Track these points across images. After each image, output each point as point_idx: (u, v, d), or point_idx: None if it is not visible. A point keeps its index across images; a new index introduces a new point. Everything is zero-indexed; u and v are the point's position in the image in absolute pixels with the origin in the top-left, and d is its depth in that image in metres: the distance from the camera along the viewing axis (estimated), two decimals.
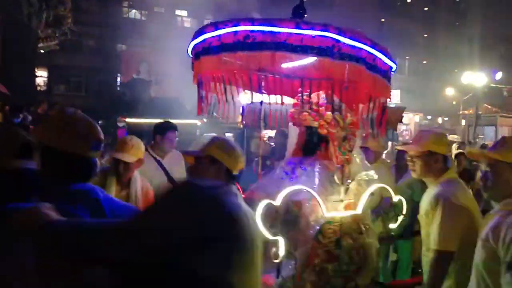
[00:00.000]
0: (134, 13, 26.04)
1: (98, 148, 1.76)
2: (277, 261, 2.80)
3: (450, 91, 35.80)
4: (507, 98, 36.74)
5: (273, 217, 2.85)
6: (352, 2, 31.66)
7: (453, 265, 2.91)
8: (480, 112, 29.77)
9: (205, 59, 2.83)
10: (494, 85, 31.06)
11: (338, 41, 2.63)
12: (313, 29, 2.59)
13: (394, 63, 3.14)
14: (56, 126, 1.64)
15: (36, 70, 19.44)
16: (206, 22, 21.18)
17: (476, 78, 28.37)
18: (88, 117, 1.75)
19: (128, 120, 8.87)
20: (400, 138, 28.04)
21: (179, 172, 4.66)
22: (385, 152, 10.28)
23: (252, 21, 2.62)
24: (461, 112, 34.08)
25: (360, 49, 2.74)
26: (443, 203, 2.94)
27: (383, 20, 34.87)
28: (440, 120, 40.07)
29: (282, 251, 2.81)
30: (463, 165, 7.45)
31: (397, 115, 10.19)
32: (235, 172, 2.32)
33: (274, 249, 2.78)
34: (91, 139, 1.68)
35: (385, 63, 2.98)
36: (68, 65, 22.26)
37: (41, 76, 24.09)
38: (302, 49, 2.59)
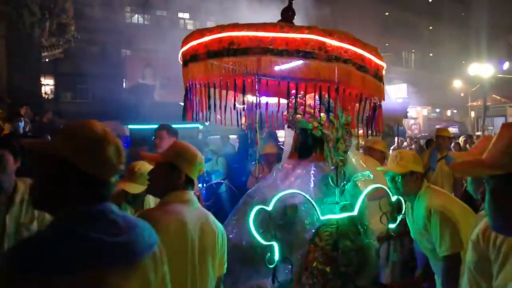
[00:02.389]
0: (137, 18, 26.18)
1: (121, 172, 1.70)
2: (272, 266, 2.79)
3: (457, 83, 35.45)
4: None
5: (266, 222, 2.83)
6: None
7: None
8: (488, 103, 29.45)
9: (193, 66, 2.83)
10: (502, 76, 30.70)
11: (324, 43, 2.61)
12: (298, 32, 2.57)
13: (384, 63, 3.11)
14: (83, 145, 1.47)
15: (42, 79, 19.62)
16: (209, 24, 21.21)
17: (483, 69, 28.07)
18: (115, 137, 1.60)
19: (130, 127, 8.88)
20: (409, 132, 27.93)
21: None
22: (392, 148, 10.25)
23: (237, 27, 2.61)
24: (469, 104, 33.77)
25: (348, 50, 2.71)
26: (435, 211, 3.08)
27: (387, 13, 34.63)
28: (449, 112, 39.71)
29: (277, 256, 2.80)
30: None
31: (402, 111, 10.16)
32: (194, 178, 2.31)
33: (268, 254, 2.78)
34: (118, 165, 1.56)
35: (375, 63, 2.95)
36: (74, 72, 22.42)
37: (48, 85, 24.30)
38: (288, 52, 2.58)
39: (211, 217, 2.37)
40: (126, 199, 3.37)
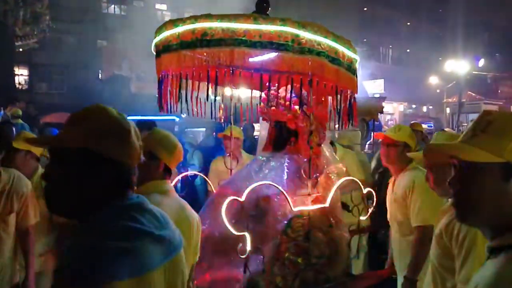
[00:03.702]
0: (113, 8, 25.76)
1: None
2: (243, 256, 2.81)
3: (434, 80, 36.06)
4: (491, 85, 37.14)
5: (238, 213, 2.84)
6: None
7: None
8: (463, 100, 30.02)
9: (165, 57, 2.81)
10: (477, 72, 31.33)
11: (297, 35, 2.62)
12: (271, 24, 2.57)
13: (357, 56, 3.13)
14: (108, 130, 1.33)
15: (16, 69, 19.17)
16: (186, 15, 20.85)
17: (459, 66, 28.58)
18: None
19: None
20: (385, 127, 28.21)
21: None
22: (368, 143, 10.38)
23: (210, 17, 2.60)
24: (445, 100, 34.37)
25: (321, 42, 2.73)
26: (418, 184, 3.26)
27: (365, 8, 34.92)
28: (424, 108, 40.41)
29: (248, 247, 2.82)
30: None
31: (377, 106, 10.28)
32: (173, 167, 2.30)
33: (240, 245, 2.79)
34: (140, 148, 1.44)
35: (348, 56, 2.97)
36: (48, 63, 21.99)
37: (22, 75, 23.76)
38: (261, 44, 2.58)
39: (187, 206, 2.38)
40: None
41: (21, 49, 17.85)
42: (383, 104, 11.23)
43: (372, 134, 11.52)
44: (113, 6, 25.72)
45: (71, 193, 1.30)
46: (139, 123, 4.73)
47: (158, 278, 1.27)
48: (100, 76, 23.33)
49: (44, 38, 17.59)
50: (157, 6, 26.23)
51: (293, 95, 3.38)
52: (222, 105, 3.99)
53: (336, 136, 5.68)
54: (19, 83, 22.52)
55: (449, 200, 2.34)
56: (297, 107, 3.47)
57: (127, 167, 1.37)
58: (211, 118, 3.65)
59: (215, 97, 3.18)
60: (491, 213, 1.19)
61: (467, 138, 1.24)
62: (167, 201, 2.19)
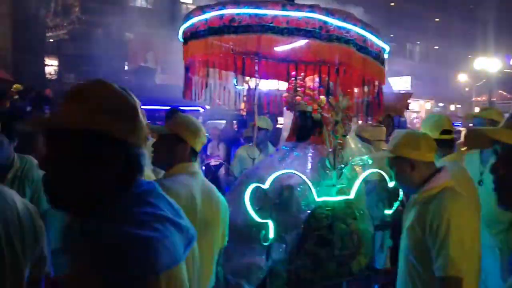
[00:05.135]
0: (140, 1, 26.03)
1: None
2: (266, 244, 2.81)
3: (462, 77, 35.26)
4: None
5: (262, 200, 2.84)
6: None
7: None
8: (494, 99, 29.27)
9: (192, 44, 2.82)
10: (508, 71, 30.49)
11: (325, 22, 2.59)
12: (299, 10, 2.55)
13: (387, 44, 3.08)
14: (114, 107, 1.14)
15: (46, 59, 19.59)
16: None
17: (489, 64, 27.86)
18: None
19: None
20: (409, 126, 27.76)
21: None
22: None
23: (238, 4, 2.60)
24: (473, 99, 33.60)
25: (349, 30, 2.70)
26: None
27: (392, 4, 34.33)
28: (452, 107, 39.56)
29: (271, 234, 2.82)
30: None
31: (403, 101, 10.10)
32: (198, 150, 2.30)
33: (263, 232, 2.79)
34: (147, 127, 1.26)
35: (377, 45, 2.93)
36: (77, 54, 22.33)
37: (52, 65, 24.28)
38: (289, 31, 2.56)
39: (215, 189, 2.38)
40: None
41: (51, 40, 18.27)
42: (409, 101, 11.06)
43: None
44: None
45: (77, 184, 1.11)
46: (169, 111, 4.75)
47: (183, 270, 1.14)
48: (126, 68, 23.63)
49: (73, 29, 17.95)
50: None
51: (319, 85, 3.36)
52: (245, 98, 3.99)
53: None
54: (49, 73, 23.02)
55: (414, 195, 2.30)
56: (322, 97, 3.44)
57: (137, 149, 1.18)
58: (235, 108, 3.65)
59: (243, 87, 3.17)
60: None
61: (510, 124, 1.20)
62: (195, 182, 2.20)
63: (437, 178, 2.25)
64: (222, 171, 6.09)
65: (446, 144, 3.26)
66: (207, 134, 8.23)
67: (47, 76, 21.21)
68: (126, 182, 1.15)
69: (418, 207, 2.23)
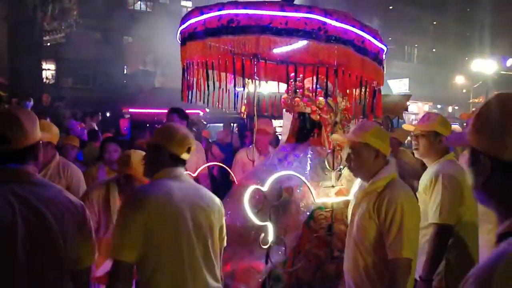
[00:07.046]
0: (139, 5, 26.03)
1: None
2: (265, 247, 2.79)
3: (460, 79, 35.30)
4: None
5: (261, 203, 2.83)
6: None
7: (452, 239, 2.94)
8: None
9: (190, 45, 2.80)
10: (505, 72, 30.55)
11: (324, 23, 2.58)
12: (298, 11, 2.54)
13: (385, 45, 3.08)
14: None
15: (43, 63, 19.54)
16: None
17: (486, 66, 27.91)
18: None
19: (131, 110, 8.90)
20: None
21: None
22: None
23: (237, 5, 2.59)
24: (471, 101, 33.62)
25: (348, 31, 2.69)
26: (443, 178, 2.98)
27: (391, 7, 34.40)
28: (450, 109, 39.59)
29: (271, 237, 2.79)
30: None
31: (402, 103, 10.10)
32: (183, 156, 2.29)
33: (262, 235, 2.77)
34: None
35: (375, 45, 2.92)
36: (75, 58, 22.23)
37: (49, 69, 24.20)
38: (287, 32, 2.55)
39: (205, 191, 2.34)
40: (118, 183, 3.25)
41: (48, 44, 18.21)
42: (408, 103, 11.06)
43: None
44: (139, 2, 25.98)
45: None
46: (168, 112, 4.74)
47: None
48: (125, 71, 23.61)
49: (71, 33, 17.90)
50: (183, 3, 26.38)
51: (318, 86, 3.35)
52: (245, 101, 3.97)
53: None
54: (46, 77, 22.93)
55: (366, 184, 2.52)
56: (321, 98, 3.43)
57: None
58: (234, 110, 3.64)
59: (243, 87, 3.15)
60: None
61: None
62: (177, 184, 2.19)
63: (385, 170, 2.47)
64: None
65: None
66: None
67: (44, 80, 21.16)
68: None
69: (371, 196, 2.44)
